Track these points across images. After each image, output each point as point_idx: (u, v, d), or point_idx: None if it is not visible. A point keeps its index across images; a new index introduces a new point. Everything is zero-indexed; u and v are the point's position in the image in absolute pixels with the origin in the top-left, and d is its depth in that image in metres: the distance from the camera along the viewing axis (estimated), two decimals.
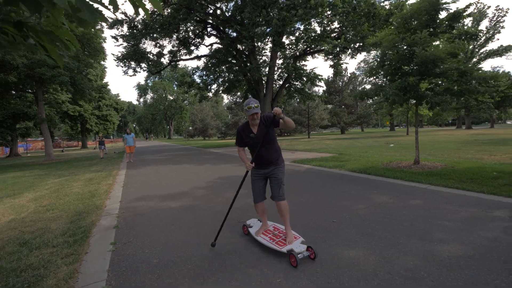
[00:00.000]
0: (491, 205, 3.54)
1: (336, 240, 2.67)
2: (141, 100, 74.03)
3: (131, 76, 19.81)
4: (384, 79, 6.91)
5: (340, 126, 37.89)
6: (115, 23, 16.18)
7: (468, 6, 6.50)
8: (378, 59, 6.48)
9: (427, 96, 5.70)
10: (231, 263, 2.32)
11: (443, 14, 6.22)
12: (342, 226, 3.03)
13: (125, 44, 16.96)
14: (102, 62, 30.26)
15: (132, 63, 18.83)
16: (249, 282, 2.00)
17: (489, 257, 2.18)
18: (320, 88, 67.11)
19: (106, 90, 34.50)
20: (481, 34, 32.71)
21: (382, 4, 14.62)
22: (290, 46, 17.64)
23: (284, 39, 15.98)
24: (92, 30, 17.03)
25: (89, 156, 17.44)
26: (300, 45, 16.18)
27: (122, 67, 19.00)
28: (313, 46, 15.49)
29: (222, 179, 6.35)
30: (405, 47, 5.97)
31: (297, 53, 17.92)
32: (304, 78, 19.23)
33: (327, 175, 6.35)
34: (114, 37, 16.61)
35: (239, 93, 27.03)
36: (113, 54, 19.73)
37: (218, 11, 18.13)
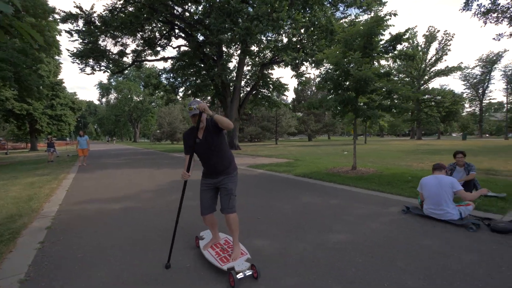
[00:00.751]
0: (391, 203, 4.29)
1: (254, 233, 3.09)
2: (104, 100, 69.57)
3: (88, 74, 18.66)
4: (329, 92, 7.73)
5: (307, 134, 39.78)
6: (69, 17, 15.33)
7: (406, 31, 7.57)
8: (322, 75, 7.26)
9: (363, 109, 6.57)
10: (165, 277, 2.14)
11: (385, 36, 7.17)
12: (264, 222, 3.47)
13: (80, 40, 16.11)
14: (57, 57, 28.03)
15: (90, 60, 17.91)
16: None
17: (363, 242, 2.76)
18: (289, 97, 69.69)
19: (61, 88, 31.88)
20: (421, 54, 37.17)
21: (340, 22, 16.09)
22: (258, 54, 18.38)
23: (252, 47, 16.61)
24: (44, 21, 15.91)
25: (37, 160, 16.03)
26: (268, 53, 17.00)
27: (78, 64, 17.95)
28: (277, 56, 16.38)
29: (174, 183, 6.51)
30: (345, 65, 6.82)
31: (265, 61, 18.70)
32: (271, 86, 20.11)
33: (274, 179, 6.88)
34: (68, 32, 15.70)
35: (209, 97, 27.15)
36: (68, 50, 18.48)
37: (187, 13, 18.19)
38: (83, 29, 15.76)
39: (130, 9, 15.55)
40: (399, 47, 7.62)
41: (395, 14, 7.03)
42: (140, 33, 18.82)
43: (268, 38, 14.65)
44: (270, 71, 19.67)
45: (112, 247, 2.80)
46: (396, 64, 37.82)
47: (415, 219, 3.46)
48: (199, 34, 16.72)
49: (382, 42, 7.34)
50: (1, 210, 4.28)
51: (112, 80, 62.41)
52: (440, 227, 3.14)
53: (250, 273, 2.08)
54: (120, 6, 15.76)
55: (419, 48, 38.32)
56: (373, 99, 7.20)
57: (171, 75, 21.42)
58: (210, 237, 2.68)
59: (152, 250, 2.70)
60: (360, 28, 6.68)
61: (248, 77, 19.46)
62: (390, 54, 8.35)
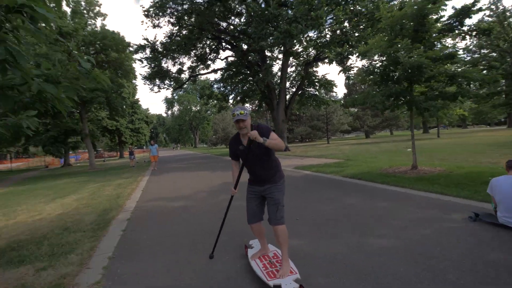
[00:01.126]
0: (455, 208, 3.73)
1: (291, 233, 3.31)
2: (169, 112, 79.17)
3: (156, 92, 21.99)
4: (375, 87, 7.23)
5: (364, 130, 36.89)
6: (139, 48, 18.45)
7: (476, 1, 6.49)
8: (366, 68, 6.89)
9: (417, 101, 5.91)
10: (210, 277, 2.23)
11: (446, 11, 6.31)
12: (302, 223, 3.62)
13: (148, 65, 19.17)
14: (134, 81, 33.71)
15: (156, 80, 20.99)
16: None
17: (408, 250, 2.53)
18: (338, 93, 65.61)
19: (138, 105, 38.02)
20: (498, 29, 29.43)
21: (389, 4, 14.63)
22: (301, 54, 18.30)
23: (293, 48, 16.67)
24: (123, 55, 19.54)
25: (123, 165, 19.60)
26: (311, 51, 16.77)
27: (148, 85, 21.27)
28: (321, 53, 16.01)
29: (226, 184, 7.21)
30: (392, 54, 6.26)
31: (308, 60, 18.48)
32: (317, 84, 19.67)
33: (319, 180, 6.88)
34: (140, 60, 18.89)
35: (257, 101, 28.19)
36: (141, 74, 22.10)
37: (231, 27, 19.54)
38: (150, 56, 18.71)
39: (184, 32, 17.69)
40: (468, 21, 6.56)
41: None
42: (193, 51, 21.09)
43: (309, 37, 14.46)
44: (315, 69, 19.29)
45: (172, 236, 3.50)
46: (472, 41, 31.38)
47: (484, 227, 2.96)
48: (243, 44, 17.73)
49: (444, 19, 6.48)
50: (100, 205, 5.66)
51: (175, 95, 70.74)
52: None
53: None
54: (176, 31, 18.14)
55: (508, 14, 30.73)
56: (432, 87, 6.37)
57: (221, 84, 23.19)
58: (259, 247, 2.55)
59: (201, 242, 3.26)
60: (406, 11, 6.07)
61: (292, 77, 19.51)
62: (457, 32, 7.30)
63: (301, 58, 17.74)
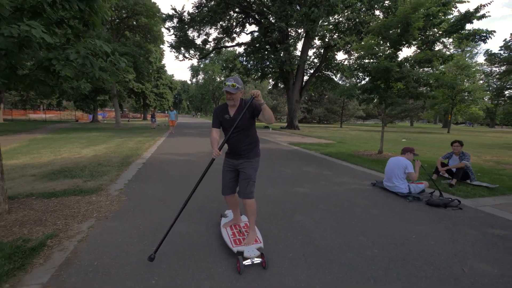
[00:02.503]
0: (370, 178, 5.02)
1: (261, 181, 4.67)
2: (194, 80, 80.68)
3: (180, 61, 23.17)
4: (357, 81, 7.93)
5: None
6: (167, 18, 19.40)
7: (479, 8, 6.95)
8: (356, 65, 7.56)
9: (385, 96, 6.78)
10: (183, 251, 2.22)
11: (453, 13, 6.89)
12: (262, 179, 4.96)
13: (175, 34, 20.20)
14: (161, 46, 35.03)
15: (182, 49, 22.11)
16: (185, 279, 1.85)
17: (315, 194, 3.94)
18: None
19: (163, 71, 39.65)
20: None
21: None
22: (322, 36, 18.31)
23: (312, 32, 16.81)
24: (152, 21, 20.64)
25: (145, 127, 21.78)
26: (329, 36, 16.83)
27: (174, 53, 22.50)
28: (331, 39, 16.08)
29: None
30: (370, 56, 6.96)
31: (328, 44, 18.50)
32: (334, 69, 19.78)
33: (299, 154, 8.07)
34: (167, 29, 19.95)
35: (271, 80, 28.58)
36: (167, 42, 23.22)
37: (258, 1, 19.68)
38: (177, 25, 19.67)
39: (212, 3, 18.25)
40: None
41: None
42: (220, 23, 21.63)
43: (325, 24, 14.52)
44: (335, 53, 19.26)
45: (171, 175, 4.99)
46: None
47: (374, 189, 4.31)
48: (267, 20, 18.04)
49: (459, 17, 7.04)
50: (123, 153, 7.34)
51: (200, 63, 71.52)
52: (391, 198, 3.90)
53: (259, 261, 2.02)
54: (204, 1, 18.73)
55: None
56: (408, 86, 7.07)
57: (244, 58, 23.81)
58: (232, 216, 2.69)
59: (190, 180, 4.70)
60: (392, 19, 6.56)
61: (311, 60, 19.70)
62: (459, 33, 7.83)
63: (320, 42, 17.80)
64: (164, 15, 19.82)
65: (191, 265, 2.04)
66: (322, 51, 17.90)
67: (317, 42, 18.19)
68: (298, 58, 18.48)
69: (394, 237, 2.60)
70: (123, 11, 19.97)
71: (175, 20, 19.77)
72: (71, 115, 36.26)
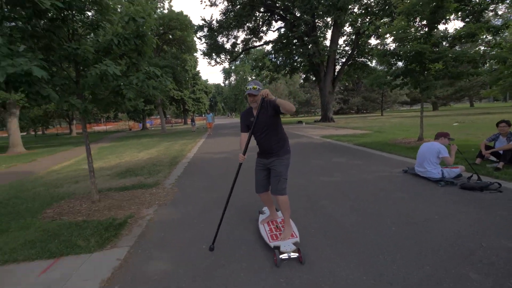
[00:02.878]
0: (402, 165, 4.98)
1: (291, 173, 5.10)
2: (226, 82, 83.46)
3: (213, 66, 24.56)
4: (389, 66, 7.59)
5: (431, 102, 32.88)
6: (198, 28, 20.80)
7: None
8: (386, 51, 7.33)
9: (419, 81, 6.45)
10: (226, 245, 2.37)
11: None
12: (294, 171, 5.34)
13: (206, 43, 21.55)
14: (195, 54, 37.32)
15: (213, 55, 23.39)
16: (231, 273, 1.98)
17: (342, 183, 4.21)
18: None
19: (198, 77, 42.10)
20: None
21: None
22: (352, 23, 17.62)
23: (340, 20, 16.35)
24: (185, 33, 22.33)
25: (186, 130, 23.68)
26: (358, 19, 16.11)
27: (207, 59, 23.96)
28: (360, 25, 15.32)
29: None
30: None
31: (359, 30, 17.71)
32: (369, 55, 18.81)
33: (331, 146, 8.18)
34: (199, 38, 21.37)
35: (301, 73, 28.21)
36: (200, 50, 24.75)
37: (278, 2, 19.81)
38: (207, 34, 20.95)
39: (237, 7, 18.99)
40: None
41: None
42: (247, 24, 22.31)
43: (354, 9, 13.95)
44: (368, 39, 18.31)
45: (212, 172, 5.71)
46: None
47: (405, 176, 4.33)
48: (292, 17, 18.08)
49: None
50: (171, 154, 8.41)
51: (232, 65, 73.65)
52: (421, 182, 3.94)
53: (295, 256, 2.07)
54: (230, 7, 19.60)
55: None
56: (448, 65, 6.62)
57: (272, 56, 24.13)
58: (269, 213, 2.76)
59: (228, 176, 5.34)
60: None
61: (342, 48, 19.06)
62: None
63: (351, 29, 17.15)
64: (195, 26, 21.28)
65: (232, 257, 2.23)
66: (353, 37, 17.20)
67: (347, 29, 17.59)
68: (328, 49, 18.09)
69: (414, 217, 2.79)
70: (161, 28, 21.99)
71: (205, 29, 21.11)
72: (125, 125, 41.07)
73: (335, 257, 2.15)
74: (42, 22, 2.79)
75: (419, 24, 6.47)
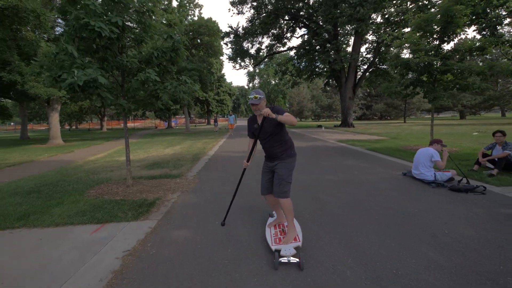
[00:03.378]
0: (402, 168, 5.29)
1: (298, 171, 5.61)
2: (250, 85, 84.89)
3: (237, 69, 25.59)
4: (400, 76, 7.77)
5: (458, 110, 31.11)
6: (225, 35, 21.93)
7: None
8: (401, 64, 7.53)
9: (428, 91, 6.61)
10: (230, 246, 2.39)
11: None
12: (301, 169, 5.83)
13: (231, 48, 22.61)
14: (221, 57, 38.91)
15: (238, 59, 24.39)
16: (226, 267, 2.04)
17: (344, 181, 4.62)
18: None
19: (223, 79, 43.62)
20: None
21: None
22: (374, 31, 17.56)
23: (361, 30, 16.44)
24: (213, 38, 23.57)
25: (209, 130, 24.85)
26: (381, 28, 16.08)
27: (232, 63, 25.03)
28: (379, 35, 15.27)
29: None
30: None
31: (378, 40, 17.59)
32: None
33: (343, 150, 8.47)
34: (225, 43, 22.47)
35: (323, 79, 28.21)
36: (226, 54, 25.94)
37: (305, 7, 20.27)
38: (233, 40, 22.00)
39: (263, 15, 19.82)
40: None
41: None
42: (271, 31, 23.05)
43: (375, 18, 13.97)
44: (389, 48, 18.09)
45: (230, 168, 6.36)
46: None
47: (403, 178, 4.66)
48: (314, 25, 18.45)
49: None
50: (194, 151, 9.25)
51: (256, 69, 74.94)
52: (415, 184, 4.25)
53: (295, 261, 2.08)
54: (256, 16, 20.48)
55: None
56: (458, 77, 6.71)
57: (295, 61, 24.59)
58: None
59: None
60: (432, 13, 6.35)
61: (363, 55, 19.01)
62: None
63: (372, 37, 17.14)
64: (222, 33, 22.44)
65: (233, 257, 2.23)
66: (375, 45, 17.13)
67: (369, 37, 17.59)
68: (349, 56, 18.16)
69: (397, 210, 3.18)
70: (190, 33, 23.46)
71: (231, 36, 22.19)
72: (152, 123, 43.72)
73: (323, 235, 2.64)
74: (102, 41, 3.60)
75: (430, 38, 6.64)
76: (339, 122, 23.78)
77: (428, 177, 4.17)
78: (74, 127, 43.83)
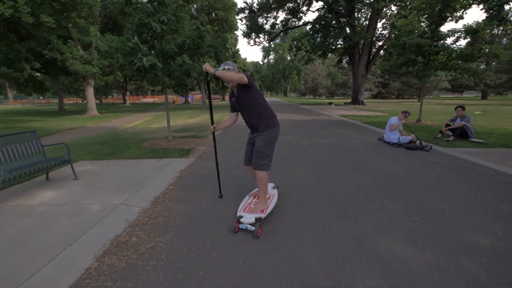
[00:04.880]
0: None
1: (286, 134, 7.00)
2: (265, 60, 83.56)
3: (252, 46, 26.11)
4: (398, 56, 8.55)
5: (479, 89, 30.07)
6: (239, 11, 22.27)
7: None
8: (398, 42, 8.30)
9: (418, 70, 7.52)
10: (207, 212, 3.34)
11: None
12: (305, 135, 7.20)
13: (246, 24, 23.03)
14: (236, 32, 38.89)
15: (253, 35, 24.82)
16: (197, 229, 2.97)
17: (330, 144, 5.98)
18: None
19: (238, 55, 43.78)
20: None
21: None
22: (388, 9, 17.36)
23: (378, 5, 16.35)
24: (227, 13, 23.97)
25: (224, 105, 26.25)
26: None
27: (246, 39, 25.51)
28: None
29: (281, 121, 11.05)
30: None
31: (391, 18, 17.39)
32: None
33: (341, 122, 9.66)
34: (240, 19, 22.91)
35: (337, 56, 27.97)
36: (241, 29, 26.30)
37: None
38: (248, 15, 22.35)
39: None
40: None
41: None
42: (287, 4, 23.01)
43: None
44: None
45: (242, 134, 7.84)
46: None
47: (380, 142, 5.93)
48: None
49: None
50: (207, 123, 10.77)
51: (271, 43, 73.25)
52: (382, 145, 5.52)
53: (252, 229, 2.21)
54: None
55: None
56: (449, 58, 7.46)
57: (310, 37, 24.64)
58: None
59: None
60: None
61: (379, 31, 18.89)
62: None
63: (390, 12, 16.92)
64: (237, 8, 22.76)
65: (206, 222, 2.52)
66: (390, 21, 17.01)
67: (388, 12, 17.37)
68: (364, 32, 18.20)
69: (358, 158, 4.55)
70: (206, 8, 23.94)
71: (246, 11, 22.50)
72: (170, 98, 45.59)
73: (296, 168, 4.10)
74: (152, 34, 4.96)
75: (426, 20, 7.36)
76: (350, 100, 24.25)
77: (393, 140, 5.43)
78: (98, 101, 46.69)
